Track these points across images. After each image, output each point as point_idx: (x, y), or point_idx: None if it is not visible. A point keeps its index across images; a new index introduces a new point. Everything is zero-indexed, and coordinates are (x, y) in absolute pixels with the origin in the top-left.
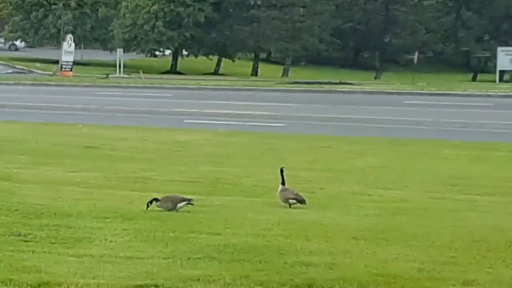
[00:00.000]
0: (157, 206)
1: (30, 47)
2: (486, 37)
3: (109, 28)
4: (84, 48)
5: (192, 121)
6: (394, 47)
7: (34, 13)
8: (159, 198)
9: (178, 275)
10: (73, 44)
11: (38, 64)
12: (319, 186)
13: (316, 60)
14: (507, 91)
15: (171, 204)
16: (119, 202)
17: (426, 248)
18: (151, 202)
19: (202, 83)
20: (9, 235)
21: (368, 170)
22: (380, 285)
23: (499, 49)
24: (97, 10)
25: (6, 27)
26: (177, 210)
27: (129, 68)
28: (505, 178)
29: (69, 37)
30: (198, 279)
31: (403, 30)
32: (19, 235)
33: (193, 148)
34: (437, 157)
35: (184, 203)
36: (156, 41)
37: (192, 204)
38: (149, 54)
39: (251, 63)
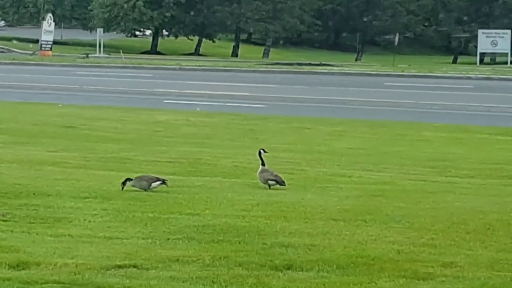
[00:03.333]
0: (132, 185)
1: (9, 26)
2: (467, 19)
3: (89, 8)
4: (64, 27)
5: (171, 101)
6: (375, 28)
7: None
8: (132, 178)
9: (157, 255)
10: (53, 24)
11: (14, 42)
12: (298, 168)
13: (297, 41)
14: (488, 73)
15: (146, 183)
16: (98, 182)
17: (405, 230)
18: (124, 182)
19: (182, 64)
20: None
21: (348, 152)
22: (359, 267)
23: (480, 31)
24: None
25: None
26: (151, 190)
27: (109, 48)
28: (485, 160)
29: (49, 16)
30: (177, 260)
31: (383, 12)
32: None
33: (172, 128)
34: (417, 139)
35: (158, 183)
36: (137, 21)
37: (167, 185)
38: (129, 34)
39: (231, 44)
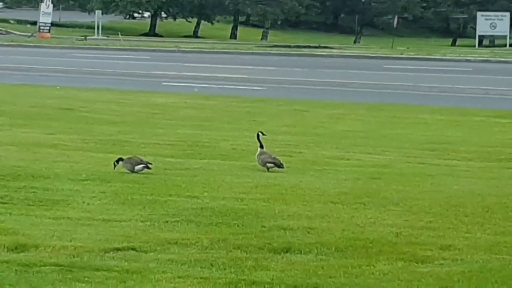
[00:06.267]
0: (122, 166)
1: (8, 7)
2: (466, 1)
3: None
4: (62, 9)
5: (170, 83)
6: (374, 10)
7: None
8: (123, 158)
9: (155, 238)
10: (51, 5)
11: (11, 22)
12: (297, 150)
13: (295, 23)
14: (486, 56)
15: (130, 165)
16: (96, 164)
17: (404, 213)
18: (117, 161)
19: (181, 46)
20: None
21: (347, 135)
22: (357, 250)
23: (479, 13)
24: None
25: None
26: (136, 172)
27: (108, 30)
28: (483, 143)
29: None
30: (176, 242)
31: None
32: None
33: (171, 111)
34: (416, 122)
35: (141, 166)
36: (135, 3)
37: (150, 168)
38: (127, 16)
39: (230, 26)
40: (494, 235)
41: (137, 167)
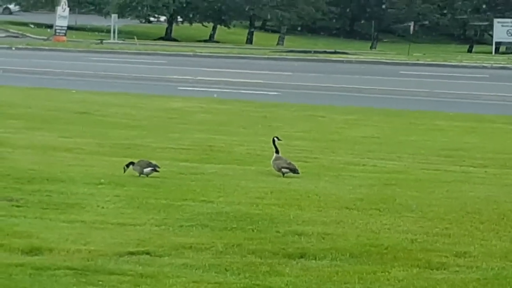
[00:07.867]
0: (132, 169)
1: (24, 11)
2: (483, 8)
3: None
4: (79, 13)
5: (186, 88)
6: (390, 16)
7: None
8: (135, 162)
9: (170, 242)
10: (67, 9)
11: (31, 26)
12: (312, 156)
13: (312, 29)
14: (503, 62)
15: (139, 168)
16: (111, 168)
17: (419, 220)
18: (127, 165)
19: (197, 50)
20: (0, 200)
21: (362, 140)
22: (372, 256)
23: (495, 20)
24: None
25: None
26: (145, 175)
27: (124, 34)
28: (499, 150)
29: (64, 1)
30: (190, 247)
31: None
32: (11, 200)
33: (186, 115)
34: (432, 128)
35: (149, 169)
36: (151, 7)
37: (158, 171)
38: (143, 20)
39: (246, 31)
40: (509, 242)
41: (146, 170)
